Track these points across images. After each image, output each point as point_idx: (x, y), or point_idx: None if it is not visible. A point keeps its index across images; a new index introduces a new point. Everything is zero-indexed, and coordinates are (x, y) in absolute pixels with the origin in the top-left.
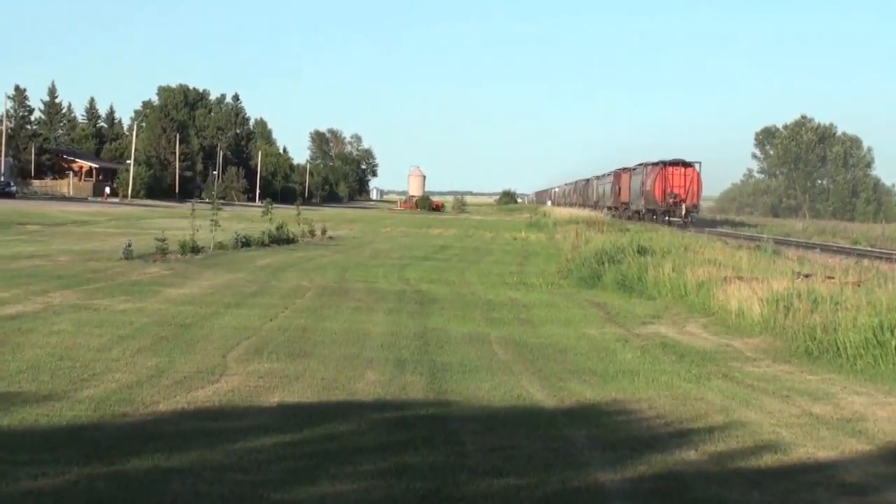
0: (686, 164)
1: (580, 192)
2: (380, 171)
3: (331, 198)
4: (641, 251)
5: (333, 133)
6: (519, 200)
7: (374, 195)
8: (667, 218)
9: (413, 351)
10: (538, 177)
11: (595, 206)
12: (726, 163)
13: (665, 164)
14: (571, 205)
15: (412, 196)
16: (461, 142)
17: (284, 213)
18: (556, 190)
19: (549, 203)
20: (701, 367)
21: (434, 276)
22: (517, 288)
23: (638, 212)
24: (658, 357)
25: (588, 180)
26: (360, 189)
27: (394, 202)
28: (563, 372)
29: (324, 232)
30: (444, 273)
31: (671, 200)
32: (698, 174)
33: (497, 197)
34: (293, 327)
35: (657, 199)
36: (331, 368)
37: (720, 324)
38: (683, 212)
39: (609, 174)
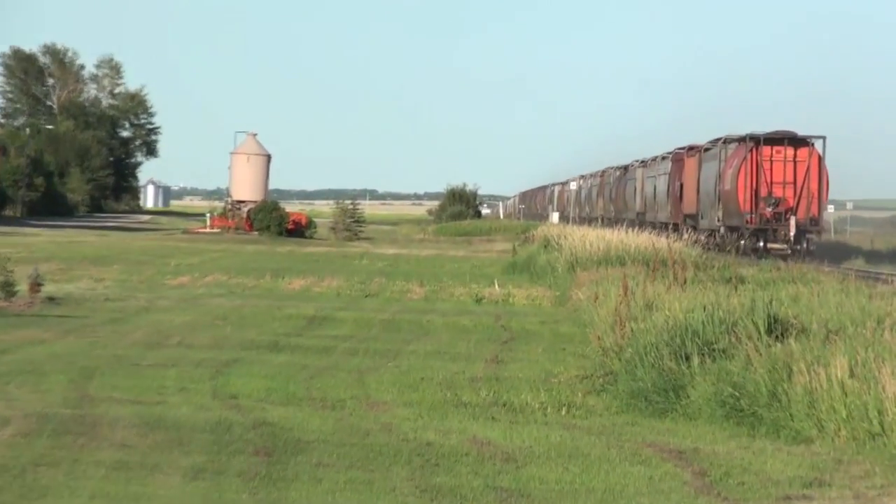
0: (796, 142)
1: (611, 194)
2: (164, 145)
3: (50, 205)
4: (776, 330)
5: (56, 56)
6: (485, 211)
7: (150, 200)
8: (760, 243)
9: None
10: (522, 166)
11: (639, 221)
12: None
13: (757, 140)
14: (592, 219)
15: (238, 203)
16: (352, 93)
17: None
18: (572, 188)
19: (553, 216)
20: None
21: (296, 387)
22: (489, 414)
23: (713, 232)
24: None
25: (626, 169)
26: (118, 187)
27: (199, 215)
28: None
29: (37, 286)
30: (318, 380)
31: (768, 210)
32: (820, 159)
33: (434, 205)
34: None
35: (740, 207)
36: None
37: None
38: (791, 231)
39: (665, 157)
